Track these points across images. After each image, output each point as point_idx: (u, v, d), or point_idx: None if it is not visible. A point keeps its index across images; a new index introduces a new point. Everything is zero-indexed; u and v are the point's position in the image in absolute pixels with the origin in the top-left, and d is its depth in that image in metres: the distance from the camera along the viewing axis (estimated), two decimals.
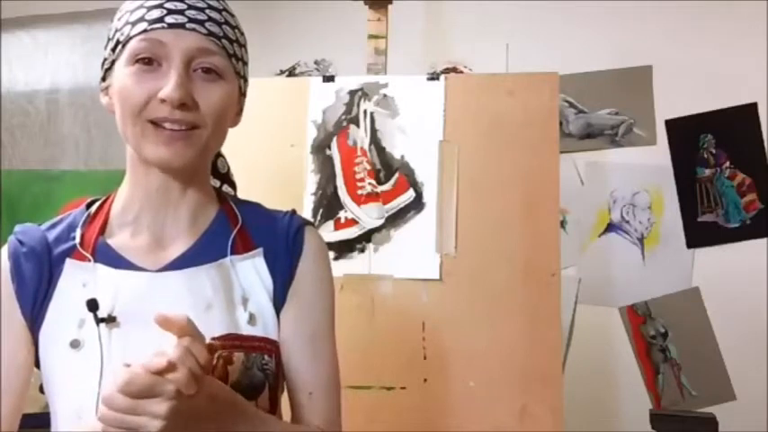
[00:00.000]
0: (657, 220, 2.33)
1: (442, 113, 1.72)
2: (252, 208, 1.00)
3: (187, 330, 0.75)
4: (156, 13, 0.86)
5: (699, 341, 2.26)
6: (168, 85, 0.84)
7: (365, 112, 1.75)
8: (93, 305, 0.86)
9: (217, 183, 1.04)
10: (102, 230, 0.93)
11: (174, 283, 0.89)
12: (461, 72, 2.24)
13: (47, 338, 0.88)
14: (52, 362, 0.88)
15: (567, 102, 2.36)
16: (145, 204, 0.92)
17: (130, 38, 0.86)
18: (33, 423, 1.04)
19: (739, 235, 2.26)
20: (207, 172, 0.98)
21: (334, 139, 1.75)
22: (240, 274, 0.92)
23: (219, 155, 1.04)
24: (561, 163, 1.67)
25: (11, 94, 2.64)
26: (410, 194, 1.70)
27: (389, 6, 1.84)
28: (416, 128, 1.72)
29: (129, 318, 0.86)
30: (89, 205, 0.97)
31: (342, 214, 1.72)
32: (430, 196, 1.69)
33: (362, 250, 1.69)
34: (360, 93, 1.76)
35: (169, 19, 0.86)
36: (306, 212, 1.71)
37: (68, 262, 0.90)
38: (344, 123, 1.76)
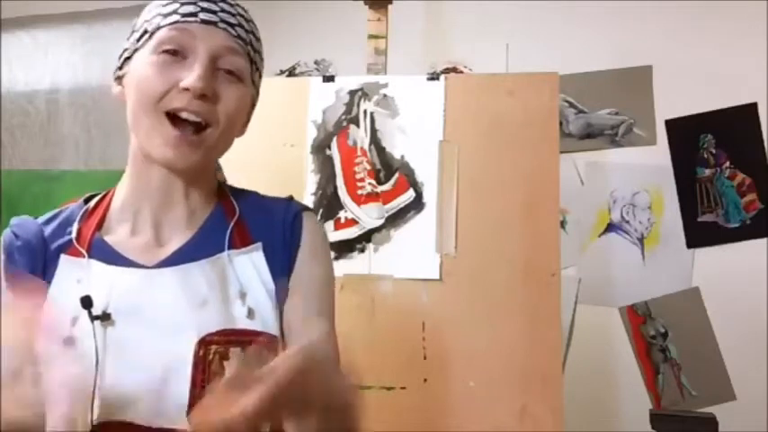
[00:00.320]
0: (657, 220, 2.32)
1: (442, 113, 1.72)
2: (250, 199, 1.00)
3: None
4: (189, 8, 0.88)
5: (699, 341, 2.26)
6: (192, 75, 0.85)
7: (365, 112, 1.76)
8: (87, 302, 0.85)
9: None
10: (100, 226, 0.92)
11: (169, 279, 0.88)
12: (461, 72, 2.24)
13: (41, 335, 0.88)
14: (46, 359, 0.87)
15: (567, 102, 2.36)
16: (145, 201, 0.92)
17: (160, 27, 0.88)
18: None
19: (739, 235, 2.26)
20: (211, 171, 0.98)
21: (334, 139, 1.76)
22: (238, 269, 0.92)
23: (218, 168, 1.04)
24: (561, 163, 1.67)
25: (11, 94, 2.64)
26: (410, 194, 1.70)
27: (389, 6, 1.84)
28: (416, 128, 1.72)
29: (124, 314, 0.86)
30: (87, 200, 0.97)
31: (342, 214, 1.72)
32: (430, 196, 1.69)
33: (362, 250, 1.69)
34: (360, 93, 1.76)
35: (202, 15, 0.88)
36: None
37: (63, 258, 0.90)
38: (344, 123, 1.76)
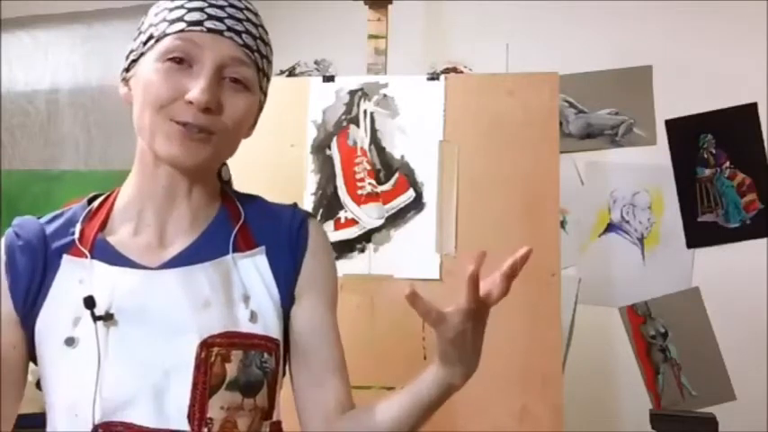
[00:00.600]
0: (657, 220, 2.33)
1: (442, 113, 1.72)
2: (255, 204, 1.00)
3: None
4: (195, 16, 0.87)
5: (699, 341, 2.26)
6: (197, 88, 0.84)
7: (365, 112, 1.75)
8: (90, 302, 0.85)
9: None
10: (103, 227, 0.93)
11: (172, 280, 0.89)
12: (461, 72, 2.24)
13: (42, 335, 0.88)
14: (47, 359, 0.87)
15: (567, 102, 2.36)
16: (149, 202, 0.92)
17: (166, 35, 0.87)
18: (32, 423, 1.03)
19: (739, 235, 2.26)
20: (214, 173, 0.98)
21: (334, 139, 1.75)
22: (242, 272, 0.92)
23: (224, 163, 1.04)
24: (561, 163, 1.67)
25: (11, 94, 2.63)
26: (410, 194, 1.70)
27: (389, 6, 1.84)
28: (416, 128, 1.72)
29: (126, 315, 0.86)
30: (91, 200, 0.97)
31: (342, 214, 1.72)
32: (430, 196, 1.69)
33: (362, 250, 1.69)
34: (360, 93, 1.76)
35: (208, 24, 0.87)
36: None
37: (65, 258, 0.90)
38: (344, 123, 1.76)
